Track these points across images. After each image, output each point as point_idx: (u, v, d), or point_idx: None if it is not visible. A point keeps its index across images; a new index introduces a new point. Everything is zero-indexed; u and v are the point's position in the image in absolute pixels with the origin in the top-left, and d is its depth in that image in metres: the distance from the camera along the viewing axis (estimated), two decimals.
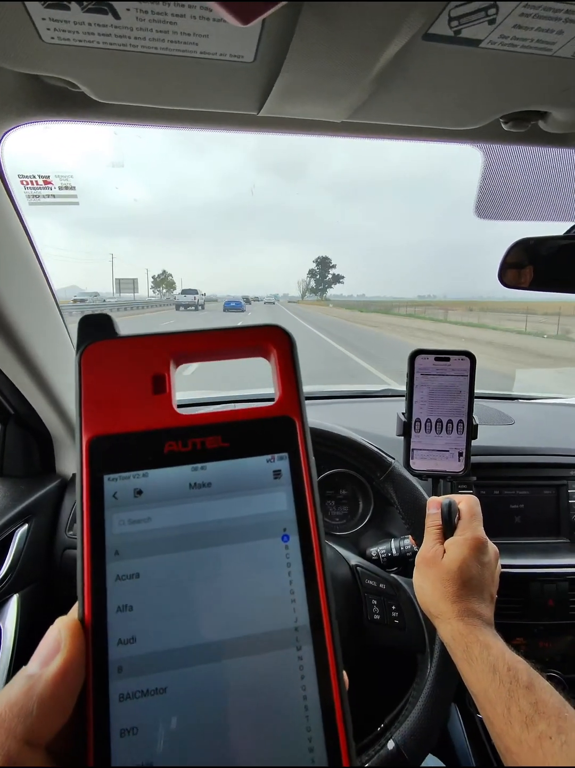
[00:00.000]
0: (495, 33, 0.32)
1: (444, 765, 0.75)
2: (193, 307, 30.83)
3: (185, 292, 36.04)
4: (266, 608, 0.17)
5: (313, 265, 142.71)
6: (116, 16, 0.30)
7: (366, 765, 0.54)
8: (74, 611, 0.17)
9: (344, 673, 0.17)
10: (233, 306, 31.87)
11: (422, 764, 0.69)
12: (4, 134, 0.46)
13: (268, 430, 0.18)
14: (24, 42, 0.32)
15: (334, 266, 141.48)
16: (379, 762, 0.54)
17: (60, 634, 0.16)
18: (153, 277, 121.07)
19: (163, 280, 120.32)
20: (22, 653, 0.73)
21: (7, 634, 0.72)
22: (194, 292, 35.42)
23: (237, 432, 0.18)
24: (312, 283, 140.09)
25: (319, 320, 22.53)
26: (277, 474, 0.18)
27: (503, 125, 0.47)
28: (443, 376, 0.77)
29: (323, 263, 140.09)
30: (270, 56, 0.34)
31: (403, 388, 0.77)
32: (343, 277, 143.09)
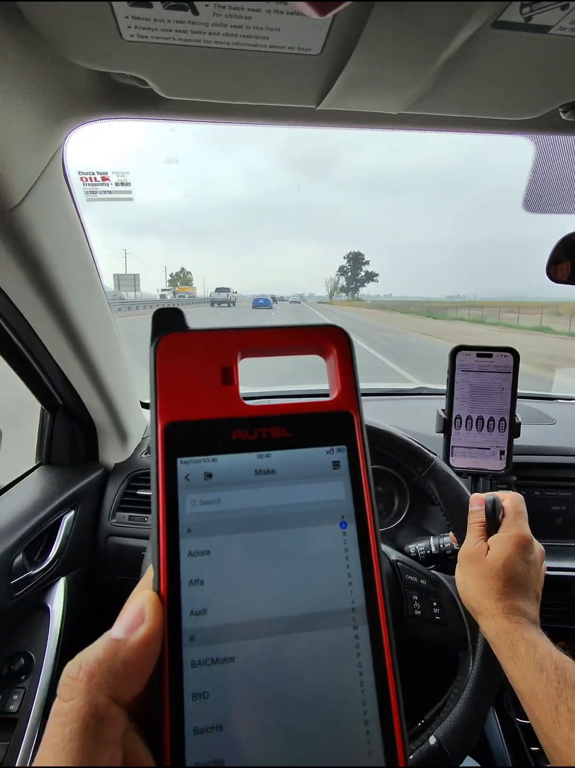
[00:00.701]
0: (566, 19, 0.32)
1: (475, 762, 0.74)
2: (226, 304, 34.41)
3: (219, 290, 40.12)
4: (324, 589, 0.18)
5: (343, 262, 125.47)
6: (195, 12, 0.31)
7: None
8: (147, 582, 0.19)
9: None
10: (262, 303, 33.85)
11: (461, 766, 0.69)
12: (72, 131, 0.48)
13: (328, 423, 0.20)
14: (104, 40, 0.34)
15: (367, 262, 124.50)
16: (420, 757, 0.54)
17: (144, 605, 0.17)
18: (170, 275, 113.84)
19: (179, 278, 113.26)
20: (68, 632, 0.76)
21: (55, 615, 0.75)
22: (227, 290, 39.48)
23: (300, 424, 0.19)
24: (342, 282, 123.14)
25: (366, 329, 16.59)
26: (336, 465, 0.19)
27: (561, 115, 0.46)
28: (485, 372, 0.76)
29: (355, 259, 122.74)
30: (337, 49, 0.35)
31: (443, 387, 0.76)
32: (377, 275, 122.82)
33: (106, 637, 0.17)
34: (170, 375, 0.19)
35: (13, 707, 0.66)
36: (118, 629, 0.17)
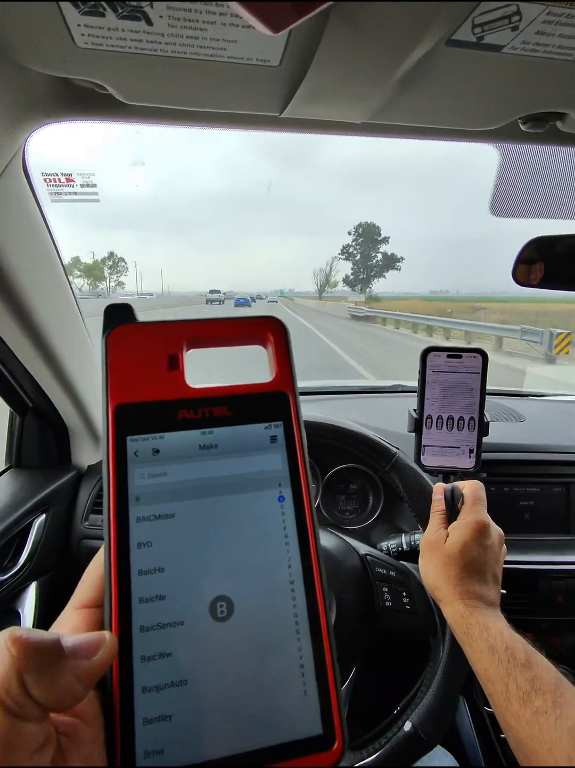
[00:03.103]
0: (517, 39, 0.33)
1: (452, 758, 0.76)
2: (217, 302, 45.18)
3: (212, 291, 51.08)
4: (264, 546, 0.20)
5: (348, 239, 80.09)
6: (149, 22, 0.31)
7: (385, 747, 0.55)
8: (100, 558, 0.20)
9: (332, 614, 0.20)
10: (242, 302, 41.43)
11: (432, 761, 0.71)
12: (31, 133, 0.47)
13: (266, 402, 0.22)
14: (58, 46, 0.33)
15: (385, 239, 77.70)
16: (397, 743, 0.55)
17: (102, 636, 0.18)
18: (85, 264, 73.85)
19: (94, 267, 75.29)
20: None
21: (26, 620, 0.75)
22: (218, 291, 51.08)
23: (240, 403, 0.21)
24: (347, 271, 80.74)
25: None
26: (273, 439, 0.21)
27: (521, 126, 0.47)
28: (455, 373, 0.77)
29: (368, 234, 77.44)
30: (296, 60, 0.35)
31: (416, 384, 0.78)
32: (401, 260, 78.84)
33: (54, 638, 0.17)
34: (119, 362, 0.21)
35: None
36: (71, 641, 0.17)
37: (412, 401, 0.76)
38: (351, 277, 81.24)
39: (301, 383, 0.23)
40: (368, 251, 78.96)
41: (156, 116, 0.45)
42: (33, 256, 0.60)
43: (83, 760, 0.17)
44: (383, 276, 79.88)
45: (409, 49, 0.32)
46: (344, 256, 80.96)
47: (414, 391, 0.75)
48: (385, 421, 0.97)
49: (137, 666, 0.18)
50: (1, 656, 0.15)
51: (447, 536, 0.53)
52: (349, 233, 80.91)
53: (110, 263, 75.36)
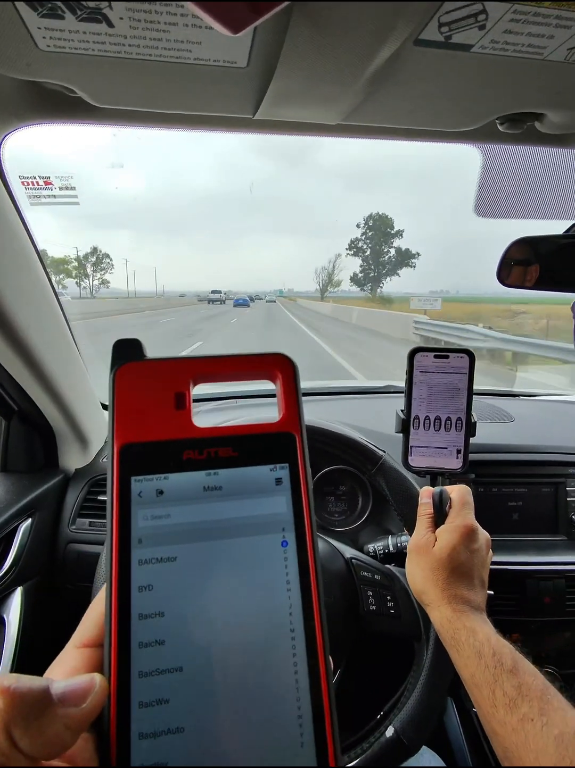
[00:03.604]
0: (485, 38, 0.32)
1: (440, 760, 0.76)
2: (218, 302, 46.12)
3: (213, 291, 51.96)
4: (265, 592, 0.20)
5: (356, 232, 69.24)
6: (110, 24, 0.30)
7: (367, 752, 0.55)
8: (100, 599, 0.19)
9: (331, 659, 0.19)
10: (241, 302, 41.59)
11: (419, 761, 0.71)
12: (4, 137, 0.47)
13: (272, 443, 0.21)
14: (20, 49, 0.33)
15: (398, 233, 67.26)
16: (379, 748, 0.55)
17: (92, 681, 0.17)
18: (52, 258, 49.05)
19: (63, 262, 58.70)
20: (25, 644, 0.75)
21: (11, 626, 0.74)
22: (219, 291, 51.86)
23: (246, 444, 0.21)
24: (356, 269, 70.17)
25: None
26: (278, 481, 0.21)
27: (499, 126, 0.47)
28: (442, 373, 0.77)
29: (379, 226, 66.70)
30: (263, 62, 0.34)
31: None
32: (417, 256, 67.95)
33: (43, 687, 0.16)
34: (126, 400, 0.21)
35: None
36: (61, 686, 0.17)
37: (402, 402, 0.76)
38: (360, 275, 71.35)
39: None
40: (379, 246, 68.56)
41: (129, 119, 0.45)
42: (12, 260, 0.59)
43: None
44: (398, 274, 69.02)
45: (375, 49, 0.32)
46: (352, 252, 71.07)
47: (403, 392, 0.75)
48: (375, 422, 0.97)
49: (135, 712, 0.17)
50: None
51: (435, 540, 0.53)
52: (358, 226, 69.63)
53: (94, 259, 65.15)
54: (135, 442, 0.20)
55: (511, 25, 0.31)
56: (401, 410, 0.77)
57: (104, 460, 0.96)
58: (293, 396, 0.22)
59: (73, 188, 0.59)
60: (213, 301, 45.93)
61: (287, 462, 0.21)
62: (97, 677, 0.17)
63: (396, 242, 68.83)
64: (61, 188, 0.60)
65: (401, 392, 1.30)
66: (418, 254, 68.82)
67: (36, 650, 0.77)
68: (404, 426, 0.77)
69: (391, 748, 0.55)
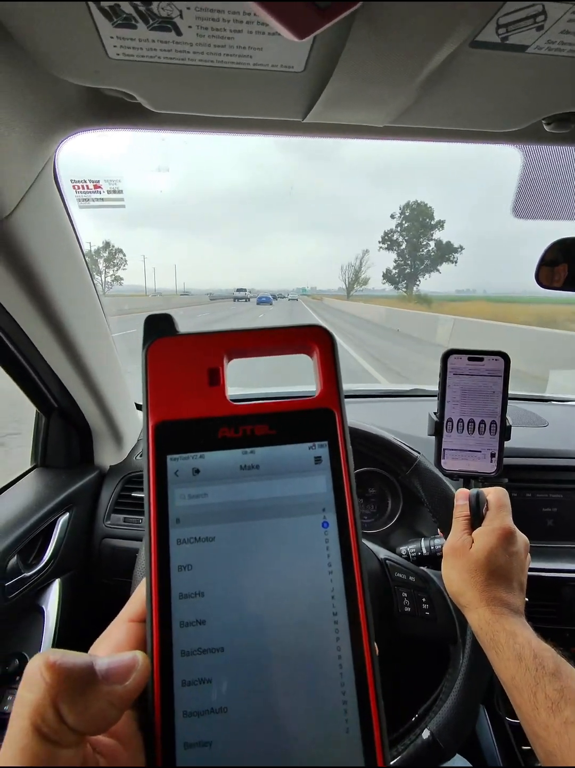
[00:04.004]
0: (542, 39, 0.33)
1: (471, 766, 0.75)
2: (244, 300, 49.03)
3: (239, 290, 54.50)
4: (306, 575, 0.19)
5: (390, 223, 61.64)
6: (179, 32, 0.32)
7: (402, 753, 0.55)
8: (141, 593, 0.20)
9: (376, 645, 0.19)
10: (264, 300, 42.93)
11: (451, 765, 0.70)
12: (62, 142, 0.49)
13: (310, 420, 0.20)
14: (90, 58, 0.34)
15: (438, 224, 59.28)
16: (414, 751, 0.55)
17: (135, 659, 0.18)
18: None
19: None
20: (63, 635, 0.77)
21: (50, 617, 0.76)
22: (244, 290, 54.35)
23: (283, 421, 0.20)
24: (391, 265, 62.29)
25: None
26: (318, 460, 0.20)
27: (545, 126, 0.47)
28: (476, 376, 0.76)
29: (417, 216, 59.16)
30: (319, 66, 0.35)
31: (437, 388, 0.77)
32: (460, 250, 60.06)
33: (88, 663, 0.17)
34: (160, 377, 0.20)
35: (7, 708, 0.67)
36: (105, 663, 0.17)
37: (430, 405, 0.76)
38: (394, 271, 64.14)
39: None
40: (417, 239, 60.97)
41: (183, 123, 0.47)
42: (62, 262, 0.61)
43: None
44: (438, 270, 61.45)
45: (433, 50, 0.32)
46: (385, 245, 64.14)
47: (432, 395, 0.75)
48: (403, 425, 0.96)
49: (178, 690, 0.18)
50: (36, 682, 0.15)
51: (472, 542, 0.53)
52: (392, 217, 62.20)
53: (106, 254, 60.97)
54: (170, 420, 0.20)
55: (569, 25, 0.31)
56: (434, 412, 0.77)
57: (138, 457, 0.98)
58: (331, 370, 0.21)
59: (120, 192, 0.61)
60: (239, 300, 49.34)
61: (327, 439, 0.20)
62: (139, 654, 0.18)
63: (436, 234, 61.55)
64: (109, 191, 0.62)
65: (428, 395, 1.30)
66: (461, 248, 61.26)
67: (73, 639, 0.79)
68: (438, 428, 0.76)
69: (427, 751, 0.54)
